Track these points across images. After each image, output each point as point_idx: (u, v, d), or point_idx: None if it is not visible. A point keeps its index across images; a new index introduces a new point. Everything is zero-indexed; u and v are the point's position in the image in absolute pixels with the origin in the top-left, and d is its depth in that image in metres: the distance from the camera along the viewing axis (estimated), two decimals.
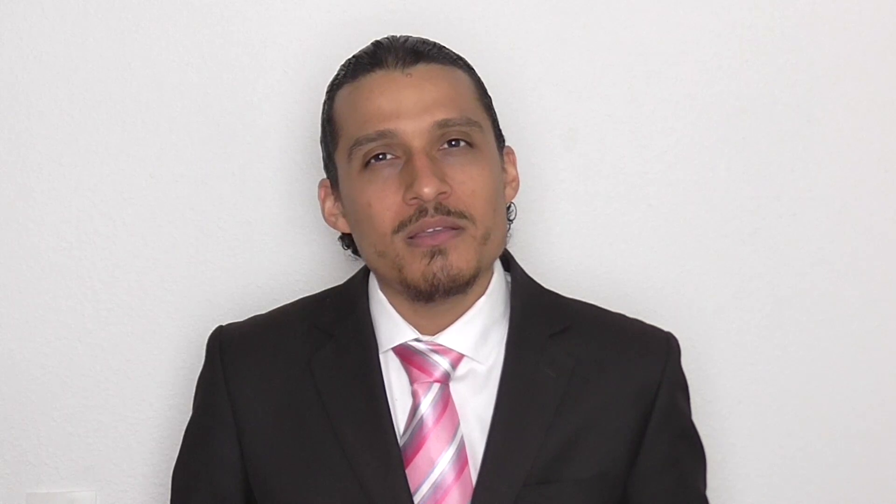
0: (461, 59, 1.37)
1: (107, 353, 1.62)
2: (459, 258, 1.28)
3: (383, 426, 1.31)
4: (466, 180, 1.29)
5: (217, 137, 1.61)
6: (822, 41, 1.64)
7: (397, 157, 1.29)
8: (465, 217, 1.29)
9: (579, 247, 1.64)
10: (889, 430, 1.68)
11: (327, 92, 1.38)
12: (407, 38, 1.35)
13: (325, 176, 1.41)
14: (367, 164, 1.30)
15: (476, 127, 1.32)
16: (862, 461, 1.68)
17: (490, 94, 1.39)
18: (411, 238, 1.28)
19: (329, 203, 1.39)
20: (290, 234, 1.62)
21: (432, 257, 1.28)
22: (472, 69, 1.38)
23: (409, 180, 1.27)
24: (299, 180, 1.60)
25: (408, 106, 1.29)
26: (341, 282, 1.45)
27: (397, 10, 1.58)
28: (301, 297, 1.47)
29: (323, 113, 1.39)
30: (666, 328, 1.43)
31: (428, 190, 1.26)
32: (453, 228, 1.28)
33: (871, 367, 1.67)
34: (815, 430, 1.67)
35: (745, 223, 1.65)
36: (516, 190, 1.41)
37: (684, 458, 1.39)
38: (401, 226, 1.28)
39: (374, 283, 1.38)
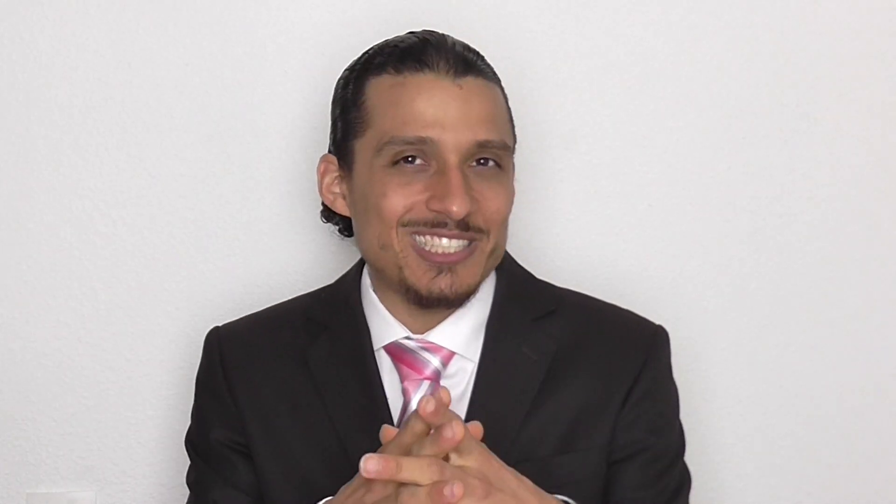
0: (496, 74, 1.37)
1: (107, 353, 1.62)
2: (468, 274, 1.29)
3: (379, 415, 1.31)
4: (493, 199, 1.30)
5: (217, 137, 1.61)
6: (822, 41, 1.64)
7: (426, 164, 1.29)
8: (481, 232, 1.29)
9: (579, 247, 1.64)
10: (889, 430, 1.68)
11: (355, 72, 1.36)
12: (454, 42, 1.33)
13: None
14: (394, 163, 1.29)
15: (508, 151, 1.33)
16: (862, 461, 1.68)
17: None
18: (422, 247, 1.28)
19: (329, 179, 1.38)
20: (289, 234, 1.62)
21: (440, 272, 1.28)
22: (501, 86, 1.38)
23: (439, 192, 1.27)
24: (299, 180, 1.60)
25: (453, 118, 1.28)
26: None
27: (397, 10, 1.58)
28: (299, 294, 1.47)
29: (344, 92, 1.36)
30: (665, 327, 1.42)
31: (457, 209, 1.26)
32: (468, 244, 1.29)
33: (871, 367, 1.67)
34: (814, 430, 1.67)
35: (745, 223, 1.65)
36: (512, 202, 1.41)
37: (656, 443, 1.36)
38: (411, 222, 1.28)
39: (365, 282, 1.38)
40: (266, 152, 1.61)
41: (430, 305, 1.30)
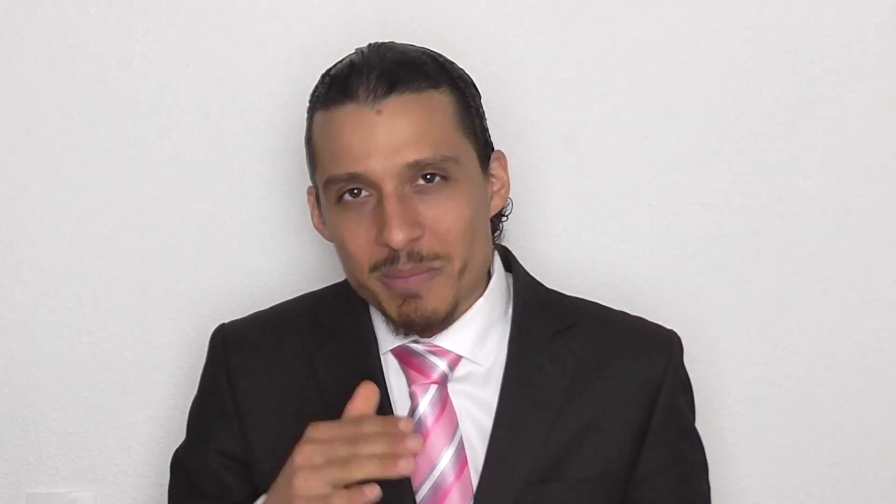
0: (443, 72, 1.31)
1: (107, 353, 1.62)
2: (434, 299, 1.27)
3: None
4: (441, 217, 1.26)
5: (217, 137, 1.61)
6: (822, 41, 1.63)
7: (370, 195, 1.27)
8: (439, 258, 1.27)
9: (579, 247, 1.64)
10: (889, 430, 1.68)
11: (310, 104, 1.35)
12: (383, 57, 1.29)
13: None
14: (340, 198, 1.28)
15: (451, 162, 1.27)
16: (862, 461, 1.67)
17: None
18: (386, 278, 1.28)
19: (317, 212, 1.38)
20: (289, 234, 1.62)
21: (405, 300, 1.27)
22: (455, 81, 1.32)
23: (380, 224, 1.25)
24: (299, 180, 1.59)
25: (378, 146, 1.25)
26: (340, 280, 1.45)
27: (397, 10, 1.58)
28: (301, 293, 1.47)
29: (306, 124, 1.36)
30: (666, 328, 1.43)
31: (397, 238, 1.23)
32: (427, 271, 1.27)
33: (871, 367, 1.67)
34: (815, 430, 1.67)
35: (745, 223, 1.65)
36: (505, 197, 1.38)
37: (686, 457, 1.39)
38: (374, 267, 1.27)
39: None
40: (266, 153, 1.61)
41: (410, 332, 1.30)
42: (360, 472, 1.11)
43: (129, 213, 1.61)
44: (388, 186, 1.25)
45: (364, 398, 1.18)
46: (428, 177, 1.27)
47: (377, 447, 1.12)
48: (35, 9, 1.58)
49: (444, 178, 1.27)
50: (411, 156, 1.25)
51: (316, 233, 1.57)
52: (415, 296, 1.27)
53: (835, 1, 1.63)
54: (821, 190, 1.65)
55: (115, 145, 1.60)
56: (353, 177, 1.26)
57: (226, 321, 1.44)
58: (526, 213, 1.61)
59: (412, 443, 1.11)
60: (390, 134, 1.25)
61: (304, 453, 1.15)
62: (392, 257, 1.25)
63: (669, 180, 1.64)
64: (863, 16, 1.64)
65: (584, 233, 1.65)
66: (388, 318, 1.31)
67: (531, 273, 1.44)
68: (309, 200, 1.40)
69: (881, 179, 1.66)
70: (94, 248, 1.61)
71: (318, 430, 1.16)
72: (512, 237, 1.50)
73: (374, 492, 1.11)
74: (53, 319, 1.61)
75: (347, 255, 1.29)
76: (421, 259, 1.26)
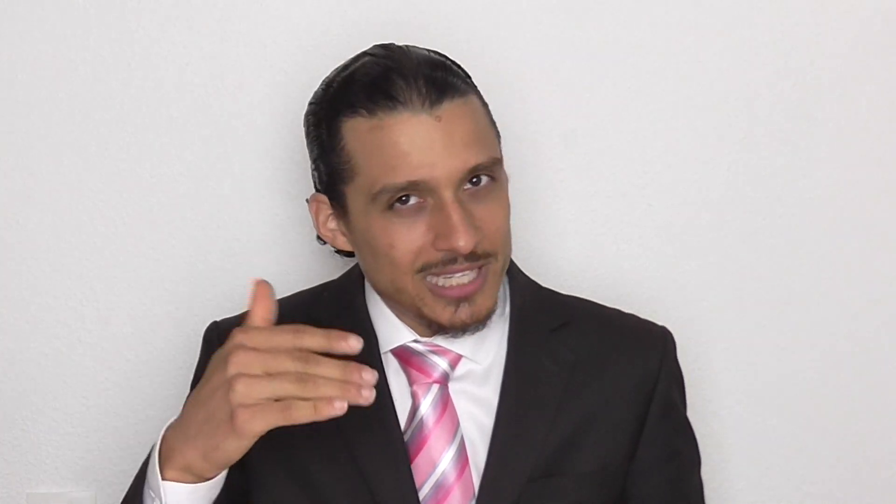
0: (466, 75, 1.32)
1: (107, 353, 1.62)
2: (486, 299, 1.28)
3: (387, 423, 1.31)
4: (493, 219, 1.27)
5: (217, 137, 1.61)
6: (822, 41, 1.64)
7: (423, 201, 1.25)
8: (489, 255, 1.27)
9: (579, 246, 1.64)
10: (889, 430, 1.68)
11: (323, 109, 1.31)
12: (418, 60, 1.27)
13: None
14: (390, 206, 1.25)
15: (498, 163, 1.29)
16: (862, 461, 1.68)
17: (490, 93, 1.39)
18: (435, 283, 1.27)
19: (323, 217, 1.35)
20: (289, 234, 1.62)
21: (458, 306, 1.27)
22: (472, 83, 1.32)
23: (443, 231, 1.24)
24: (299, 180, 1.60)
25: (440, 154, 1.23)
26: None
27: (397, 10, 1.58)
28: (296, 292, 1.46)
29: (318, 131, 1.32)
30: (659, 324, 1.43)
31: (464, 244, 1.23)
32: (479, 269, 1.27)
33: (871, 367, 1.67)
34: (815, 430, 1.67)
35: (745, 223, 1.65)
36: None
37: (682, 450, 1.41)
38: (424, 267, 1.26)
39: (370, 284, 1.38)
40: (266, 153, 1.61)
41: (454, 335, 1.30)
42: (316, 391, 1.05)
43: (129, 213, 1.61)
44: (448, 193, 1.24)
45: (262, 296, 1.12)
46: (475, 179, 1.27)
47: (329, 370, 1.06)
48: (35, 9, 1.58)
49: (491, 178, 1.28)
50: (472, 160, 1.24)
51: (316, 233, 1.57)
52: (468, 300, 1.27)
53: (834, 1, 1.63)
54: (821, 190, 1.65)
55: (116, 145, 1.60)
56: (413, 185, 1.24)
57: (218, 319, 1.43)
58: (526, 212, 1.61)
59: (367, 374, 1.06)
60: (450, 140, 1.24)
61: (240, 360, 1.07)
62: (448, 259, 1.25)
63: (669, 180, 1.64)
64: (862, 16, 1.64)
65: (584, 232, 1.65)
66: (431, 323, 1.29)
67: (531, 272, 1.44)
68: (311, 209, 1.36)
69: (881, 179, 1.66)
70: (94, 248, 1.61)
71: (249, 337, 1.09)
72: (512, 237, 1.50)
73: (343, 405, 1.05)
74: (53, 319, 1.61)
75: (392, 258, 1.26)
76: (477, 258, 1.26)
